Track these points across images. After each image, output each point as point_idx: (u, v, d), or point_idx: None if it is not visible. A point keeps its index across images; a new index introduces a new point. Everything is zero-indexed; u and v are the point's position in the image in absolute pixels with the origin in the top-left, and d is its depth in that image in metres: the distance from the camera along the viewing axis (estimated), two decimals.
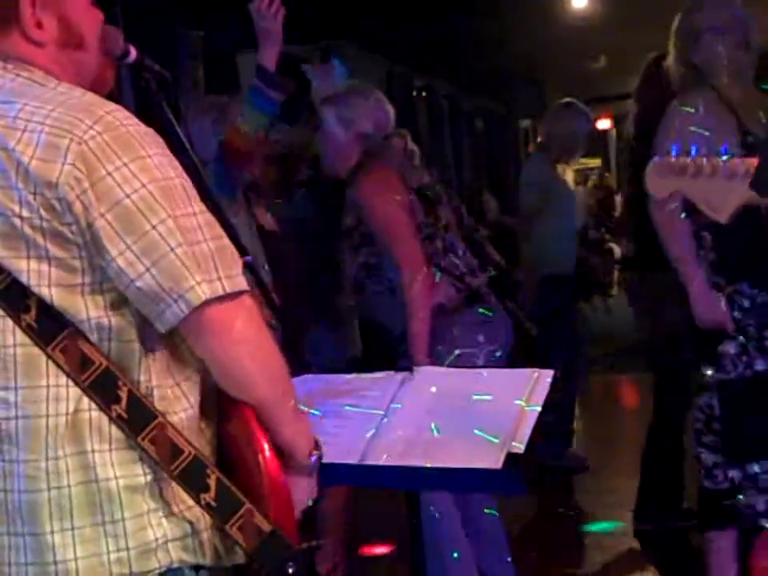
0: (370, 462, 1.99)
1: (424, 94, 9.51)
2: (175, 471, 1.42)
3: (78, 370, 1.41)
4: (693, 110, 3.06)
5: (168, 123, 1.90)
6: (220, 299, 1.40)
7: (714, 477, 3.08)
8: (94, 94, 1.49)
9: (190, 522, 1.45)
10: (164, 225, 1.38)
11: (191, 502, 1.45)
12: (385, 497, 3.43)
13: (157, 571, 1.44)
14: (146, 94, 1.89)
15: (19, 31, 1.49)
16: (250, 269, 2.08)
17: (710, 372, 3.07)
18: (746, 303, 3.02)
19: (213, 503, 1.43)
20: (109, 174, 1.37)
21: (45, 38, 1.51)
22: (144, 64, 1.85)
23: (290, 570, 1.45)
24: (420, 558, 2.21)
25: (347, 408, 2.12)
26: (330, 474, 2.01)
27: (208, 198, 1.58)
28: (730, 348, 3.03)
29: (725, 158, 1.85)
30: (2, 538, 1.44)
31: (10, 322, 1.42)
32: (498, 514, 3.36)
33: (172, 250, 1.38)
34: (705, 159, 1.86)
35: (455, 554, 3.12)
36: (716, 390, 3.07)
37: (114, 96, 1.60)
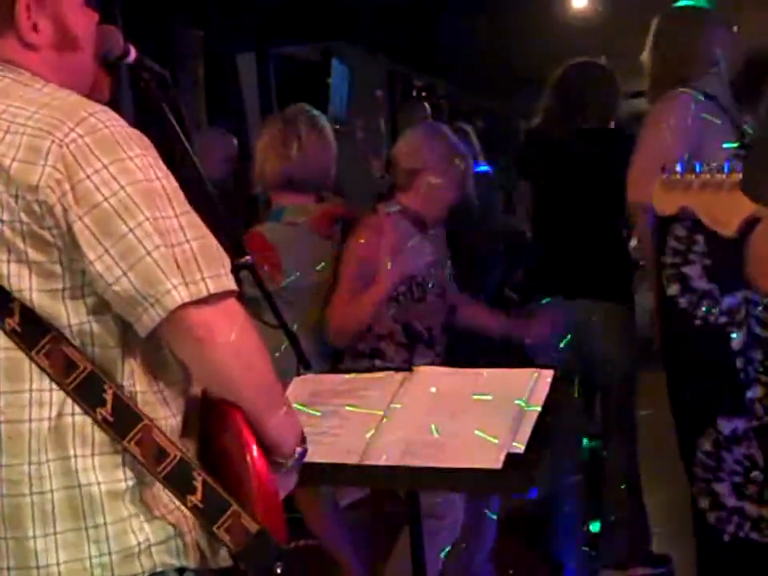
0: (370, 462, 1.99)
1: (424, 94, 9.49)
2: (161, 474, 1.41)
3: (63, 374, 1.40)
4: (702, 98, 3.02)
5: (168, 123, 1.90)
6: (201, 301, 1.38)
7: (761, 529, 2.97)
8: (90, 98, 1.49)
9: (173, 525, 1.45)
10: (141, 228, 1.37)
11: (173, 505, 1.44)
12: None
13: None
14: (145, 94, 1.89)
15: (15, 35, 1.48)
16: (250, 269, 2.08)
17: (739, 423, 2.97)
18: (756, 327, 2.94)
19: (200, 505, 1.42)
20: (88, 177, 1.36)
21: (41, 41, 1.50)
22: (144, 64, 1.86)
23: (278, 570, 1.45)
24: (420, 557, 2.21)
25: (347, 408, 2.12)
26: (330, 474, 2.02)
27: (206, 197, 1.58)
28: (756, 392, 2.94)
29: (727, 171, 1.86)
30: None
31: None
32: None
33: (149, 253, 1.36)
34: (708, 174, 1.87)
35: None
36: (754, 439, 2.96)
37: (113, 97, 1.60)
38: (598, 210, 3.61)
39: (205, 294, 1.38)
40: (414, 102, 5.69)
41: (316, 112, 3.45)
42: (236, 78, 6.61)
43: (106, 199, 1.36)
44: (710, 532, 3.08)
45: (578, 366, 3.59)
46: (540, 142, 3.82)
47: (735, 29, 3.19)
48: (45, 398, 1.41)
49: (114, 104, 1.49)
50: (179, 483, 1.42)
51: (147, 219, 1.37)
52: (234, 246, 1.50)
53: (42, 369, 1.40)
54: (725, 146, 2.89)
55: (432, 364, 3.17)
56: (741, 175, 1.87)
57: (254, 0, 5.82)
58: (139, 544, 1.43)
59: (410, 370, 2.21)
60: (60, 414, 1.41)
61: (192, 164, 1.94)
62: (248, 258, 2.09)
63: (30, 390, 1.41)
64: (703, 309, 2.99)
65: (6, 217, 1.38)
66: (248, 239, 3.19)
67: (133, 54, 1.79)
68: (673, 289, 3.07)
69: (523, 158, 3.94)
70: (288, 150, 3.32)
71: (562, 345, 3.52)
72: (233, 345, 1.41)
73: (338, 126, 7.66)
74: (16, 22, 1.48)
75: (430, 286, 3.27)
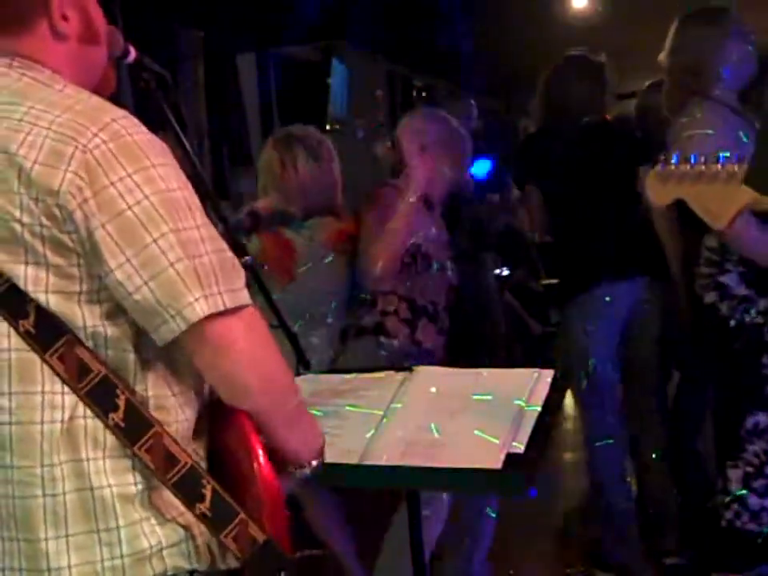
0: (370, 461, 1.99)
1: (424, 94, 9.49)
2: (171, 480, 1.41)
3: (76, 378, 1.39)
4: (692, 118, 3.07)
5: (168, 123, 1.90)
6: (221, 314, 1.38)
7: (759, 520, 3.04)
8: (98, 94, 1.49)
9: (184, 527, 1.45)
10: (165, 239, 1.36)
11: (183, 508, 1.44)
12: None
13: None
14: (145, 94, 1.89)
15: (46, 24, 1.49)
16: (250, 269, 2.08)
17: (762, 418, 3.04)
18: None
19: (208, 513, 1.42)
20: (112, 184, 1.36)
21: (70, 31, 1.50)
22: (144, 64, 1.85)
23: None
24: (420, 557, 2.21)
25: (347, 408, 2.12)
26: (330, 474, 2.01)
27: (207, 199, 1.58)
28: None
29: (722, 163, 1.86)
30: None
31: (4, 327, 1.40)
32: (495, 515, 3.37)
33: (171, 264, 1.36)
34: (703, 166, 1.87)
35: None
36: None
37: (113, 96, 1.60)
38: (612, 197, 3.68)
39: (222, 307, 1.38)
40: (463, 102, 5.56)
41: (310, 132, 3.45)
42: (236, 78, 6.61)
43: (129, 207, 1.35)
44: (708, 515, 3.16)
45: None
46: (541, 145, 3.85)
47: (753, 37, 3.23)
48: (57, 401, 1.40)
49: (114, 103, 1.49)
50: (188, 491, 1.42)
51: (171, 231, 1.37)
52: (234, 245, 1.50)
53: (55, 371, 1.40)
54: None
55: (434, 341, 3.30)
56: (737, 167, 1.87)
57: (253, 0, 5.83)
58: (151, 547, 1.43)
59: (410, 369, 2.21)
60: (72, 417, 1.41)
61: (192, 164, 1.94)
62: (248, 258, 2.09)
63: (42, 393, 1.40)
64: (741, 311, 3.06)
65: (26, 219, 1.37)
66: (272, 237, 3.22)
67: (133, 53, 1.79)
68: (710, 296, 3.14)
69: (525, 164, 3.96)
70: (286, 182, 3.38)
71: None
72: (251, 355, 1.41)
73: (337, 126, 7.67)
74: (49, 10, 1.48)
75: (433, 263, 3.34)
